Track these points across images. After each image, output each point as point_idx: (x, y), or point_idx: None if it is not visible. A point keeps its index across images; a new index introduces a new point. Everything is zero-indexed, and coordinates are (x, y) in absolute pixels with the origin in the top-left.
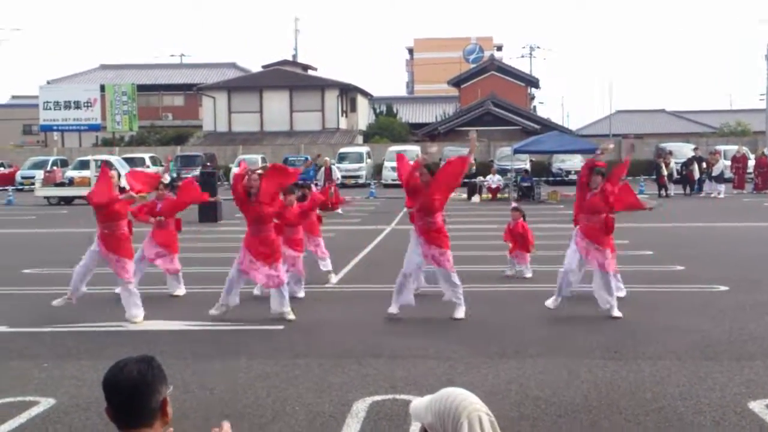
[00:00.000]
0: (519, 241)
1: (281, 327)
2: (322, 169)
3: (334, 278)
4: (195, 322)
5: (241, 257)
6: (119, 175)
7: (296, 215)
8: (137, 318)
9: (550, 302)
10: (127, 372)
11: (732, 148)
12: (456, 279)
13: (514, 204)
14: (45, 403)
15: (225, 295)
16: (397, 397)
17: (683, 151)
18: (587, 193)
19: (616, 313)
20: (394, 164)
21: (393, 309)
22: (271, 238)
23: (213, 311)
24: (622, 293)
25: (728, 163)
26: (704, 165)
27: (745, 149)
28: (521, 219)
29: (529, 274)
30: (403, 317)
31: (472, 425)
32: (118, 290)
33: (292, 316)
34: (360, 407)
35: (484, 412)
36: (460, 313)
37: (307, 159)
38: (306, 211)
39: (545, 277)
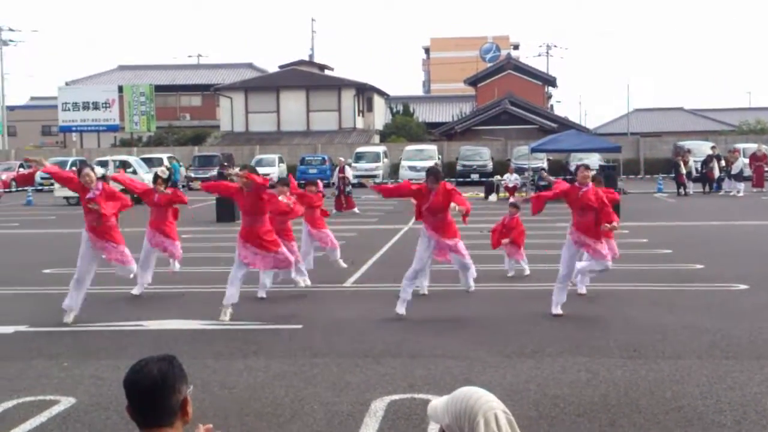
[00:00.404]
0: (507, 234)
1: (300, 326)
2: (336, 168)
3: (343, 264)
4: (214, 321)
5: (240, 252)
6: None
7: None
8: (131, 272)
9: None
10: (148, 371)
11: (751, 146)
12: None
13: (512, 200)
14: (65, 402)
15: (228, 294)
16: (416, 396)
17: (702, 149)
18: (578, 191)
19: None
20: (412, 163)
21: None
22: (267, 228)
23: (223, 317)
24: (527, 272)
25: (747, 161)
26: (723, 163)
27: (765, 147)
28: (517, 215)
29: (527, 271)
30: (421, 317)
31: (489, 423)
32: (134, 291)
33: (307, 282)
34: (378, 406)
35: (501, 410)
36: (471, 282)
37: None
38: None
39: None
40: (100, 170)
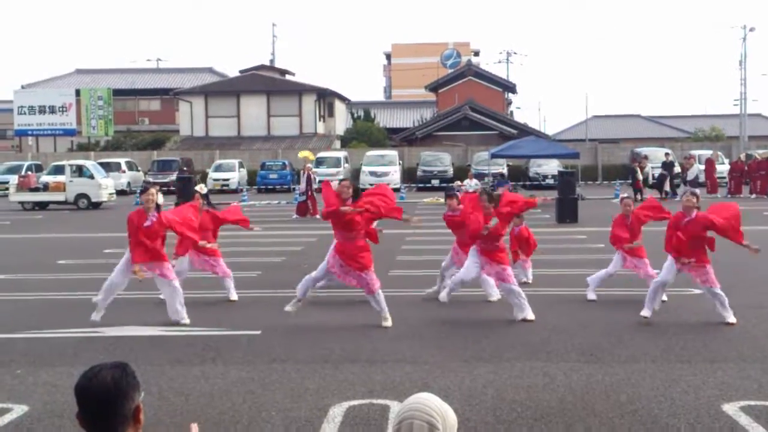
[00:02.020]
0: (524, 246)
1: (258, 332)
2: (305, 175)
3: None
4: (171, 327)
5: (330, 262)
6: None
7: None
8: (184, 319)
9: (645, 312)
10: (101, 378)
11: (706, 152)
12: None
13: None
14: (18, 410)
15: (302, 291)
16: (374, 401)
17: (658, 155)
18: (682, 220)
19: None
20: (372, 168)
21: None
22: (361, 245)
23: (289, 307)
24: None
25: (702, 167)
26: (679, 169)
27: (720, 154)
28: (523, 224)
29: (530, 279)
30: (379, 323)
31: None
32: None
33: (388, 323)
34: (336, 412)
35: (423, 421)
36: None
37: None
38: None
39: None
40: (161, 198)
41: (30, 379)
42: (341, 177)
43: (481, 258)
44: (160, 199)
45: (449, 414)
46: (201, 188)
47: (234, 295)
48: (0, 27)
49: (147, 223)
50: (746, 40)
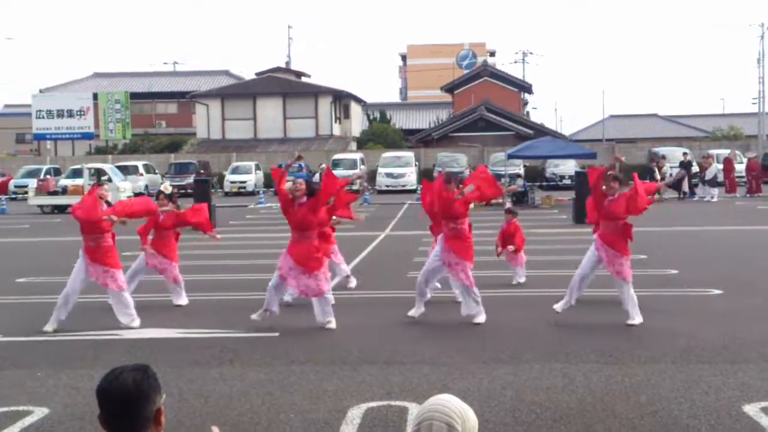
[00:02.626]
0: (509, 241)
1: (277, 334)
2: (317, 175)
3: (353, 282)
4: (190, 330)
5: (281, 263)
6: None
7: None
8: (133, 323)
9: (558, 306)
10: (122, 381)
11: (725, 152)
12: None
13: (508, 205)
14: (39, 412)
15: (268, 301)
16: (392, 403)
17: (676, 155)
18: (605, 199)
19: (634, 320)
20: (388, 170)
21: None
22: (314, 246)
23: (254, 316)
24: (523, 279)
25: (721, 166)
26: (697, 169)
27: (738, 153)
28: (514, 220)
29: (522, 279)
30: (397, 324)
31: None
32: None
33: (332, 325)
34: (355, 414)
35: (442, 422)
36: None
37: (280, 165)
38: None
39: (540, 282)
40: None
41: (50, 382)
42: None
43: (443, 246)
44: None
45: (469, 415)
46: (165, 187)
47: (183, 300)
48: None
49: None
50: (764, 38)
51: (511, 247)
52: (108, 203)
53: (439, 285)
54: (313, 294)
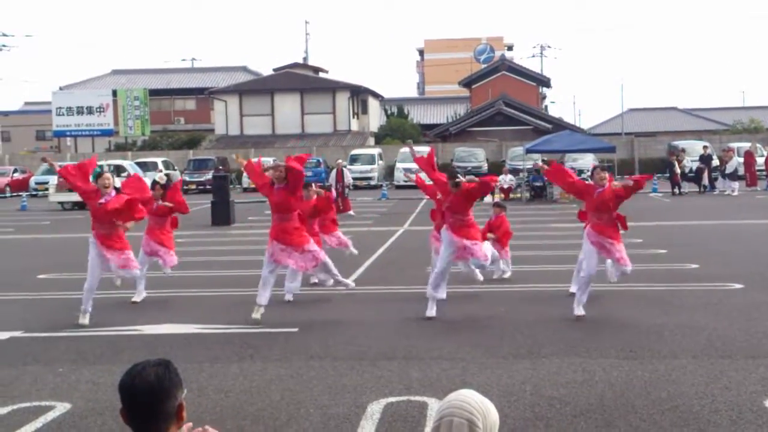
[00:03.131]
0: (495, 233)
1: (295, 329)
2: (334, 171)
3: (354, 250)
4: (209, 325)
5: (269, 250)
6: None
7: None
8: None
9: (577, 311)
10: (145, 376)
11: (745, 145)
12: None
13: (496, 199)
14: (61, 407)
15: (259, 295)
16: (412, 398)
17: (696, 148)
18: (594, 191)
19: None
20: (407, 165)
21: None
22: (296, 226)
23: (254, 315)
24: (508, 274)
25: (741, 160)
26: (717, 162)
27: (759, 146)
28: (502, 214)
29: (507, 274)
30: (416, 319)
31: (439, 429)
32: (136, 298)
33: (351, 284)
34: (374, 409)
35: (463, 418)
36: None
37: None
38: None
39: (557, 277)
40: (117, 181)
41: (72, 377)
42: (374, 174)
43: (450, 236)
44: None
45: (490, 411)
46: (160, 178)
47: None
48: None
49: (101, 200)
50: None
51: (491, 235)
52: (116, 189)
53: None
54: (312, 264)
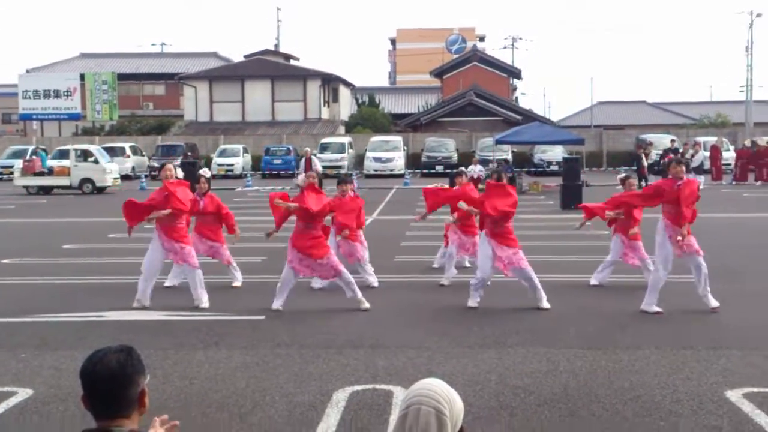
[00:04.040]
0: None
1: (262, 317)
2: (303, 160)
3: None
4: (175, 312)
5: (290, 255)
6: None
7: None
8: (203, 303)
9: (647, 307)
10: (106, 362)
11: (712, 139)
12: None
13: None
14: (23, 393)
15: (279, 294)
16: (377, 387)
17: (663, 142)
18: (674, 184)
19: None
20: (377, 154)
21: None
22: (317, 235)
23: (278, 306)
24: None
25: (708, 154)
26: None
27: (725, 140)
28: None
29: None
30: (383, 308)
31: (406, 417)
32: (168, 283)
33: (365, 305)
34: (340, 397)
35: (430, 407)
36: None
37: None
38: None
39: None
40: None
41: (35, 363)
42: (344, 163)
43: (491, 243)
44: (180, 173)
45: (456, 400)
46: (204, 171)
47: (238, 282)
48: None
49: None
50: (753, 26)
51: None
52: (179, 177)
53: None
54: (332, 276)
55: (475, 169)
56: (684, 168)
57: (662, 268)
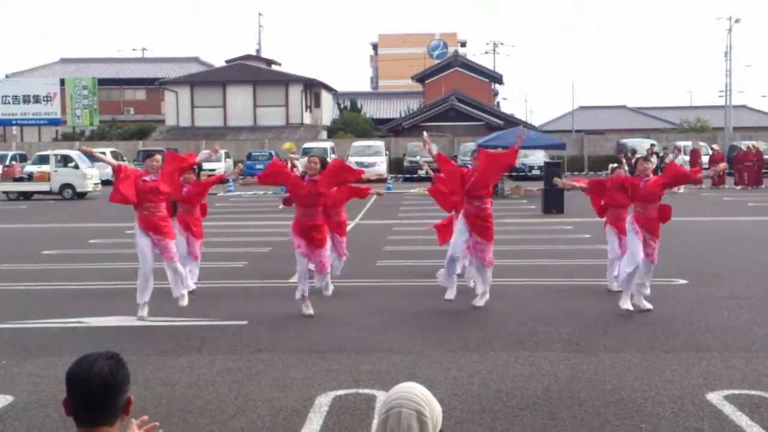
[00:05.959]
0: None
1: (245, 322)
2: (287, 163)
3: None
4: (156, 318)
5: (296, 242)
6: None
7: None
8: (183, 301)
9: (627, 305)
10: (98, 369)
11: (690, 144)
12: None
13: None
14: (2, 400)
15: (300, 284)
16: (360, 391)
17: (644, 146)
18: (639, 181)
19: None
20: (359, 159)
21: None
22: (317, 223)
23: (306, 311)
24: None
25: (687, 158)
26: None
27: (703, 144)
28: None
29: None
30: (365, 312)
31: (387, 420)
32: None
33: (328, 292)
34: (323, 402)
35: (411, 409)
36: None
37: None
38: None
39: (508, 272)
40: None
41: (15, 370)
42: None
43: (466, 225)
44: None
45: (435, 403)
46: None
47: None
48: None
49: (147, 177)
50: (731, 32)
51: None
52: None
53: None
54: (319, 270)
55: None
56: (650, 165)
57: (629, 263)
